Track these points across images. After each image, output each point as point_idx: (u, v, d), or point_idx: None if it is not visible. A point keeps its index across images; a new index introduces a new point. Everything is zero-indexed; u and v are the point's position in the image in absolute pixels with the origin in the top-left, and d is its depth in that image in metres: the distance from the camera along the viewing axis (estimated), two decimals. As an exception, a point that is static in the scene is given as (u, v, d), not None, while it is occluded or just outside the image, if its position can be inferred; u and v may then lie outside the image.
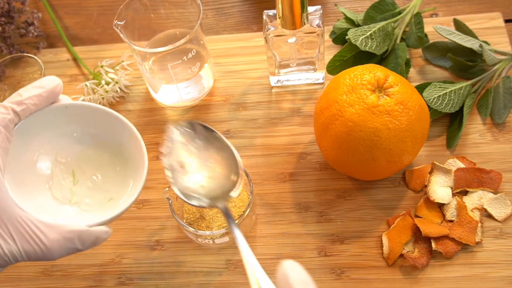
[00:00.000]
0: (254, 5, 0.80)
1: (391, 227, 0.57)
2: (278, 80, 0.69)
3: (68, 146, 0.51)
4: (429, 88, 0.63)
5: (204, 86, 0.69)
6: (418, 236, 0.57)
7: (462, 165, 0.61)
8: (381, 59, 0.68)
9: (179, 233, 0.61)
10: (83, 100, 0.70)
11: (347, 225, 0.59)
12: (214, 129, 0.52)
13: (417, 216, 0.59)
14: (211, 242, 0.57)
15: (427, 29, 0.70)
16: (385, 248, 0.57)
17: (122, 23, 0.62)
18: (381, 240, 0.57)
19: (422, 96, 0.59)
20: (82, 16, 0.82)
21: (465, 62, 0.65)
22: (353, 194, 0.61)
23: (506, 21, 0.71)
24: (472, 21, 0.71)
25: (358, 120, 0.53)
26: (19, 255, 0.42)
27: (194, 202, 0.49)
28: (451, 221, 0.58)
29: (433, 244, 0.56)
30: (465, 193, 0.60)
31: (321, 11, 0.62)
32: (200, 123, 0.52)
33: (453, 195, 0.59)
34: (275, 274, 0.40)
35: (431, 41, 0.69)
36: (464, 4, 0.76)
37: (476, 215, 0.57)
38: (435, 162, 0.61)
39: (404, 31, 0.70)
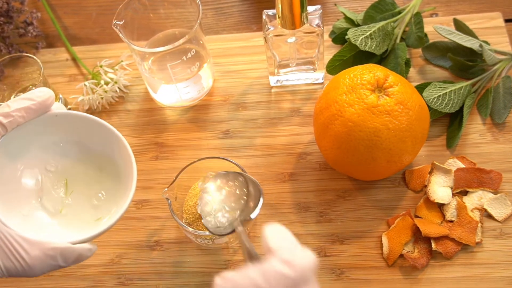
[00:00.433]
0: (253, 4, 0.80)
1: (391, 227, 0.57)
2: (278, 80, 0.69)
3: (57, 156, 0.51)
4: (429, 88, 0.63)
5: (203, 86, 0.69)
6: (418, 236, 0.57)
7: (462, 165, 0.61)
8: (381, 59, 0.68)
9: (178, 234, 0.61)
10: (82, 100, 0.69)
11: (347, 225, 0.59)
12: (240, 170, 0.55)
13: (417, 216, 0.59)
14: (210, 242, 0.56)
15: (427, 29, 0.69)
16: (385, 249, 0.56)
17: (121, 23, 0.62)
18: (381, 240, 0.57)
19: (422, 96, 0.59)
20: (81, 16, 0.82)
21: (465, 62, 0.65)
22: (353, 194, 0.61)
23: (506, 20, 0.71)
24: (472, 21, 0.71)
25: (358, 120, 0.53)
26: (0, 272, 0.41)
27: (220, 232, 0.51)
28: (451, 221, 0.57)
29: (433, 245, 0.56)
30: (465, 193, 0.59)
31: (321, 11, 0.62)
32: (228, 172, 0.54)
33: (453, 195, 0.59)
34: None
35: (431, 41, 0.69)
36: (464, 4, 0.76)
37: (476, 215, 0.57)
38: (435, 162, 0.61)
39: (404, 31, 0.69)
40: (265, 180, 0.63)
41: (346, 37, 0.65)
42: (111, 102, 0.71)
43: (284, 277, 0.36)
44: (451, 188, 0.59)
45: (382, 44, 0.66)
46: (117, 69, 0.72)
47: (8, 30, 0.76)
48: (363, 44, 0.64)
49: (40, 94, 0.46)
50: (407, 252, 0.56)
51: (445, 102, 0.62)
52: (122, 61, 0.72)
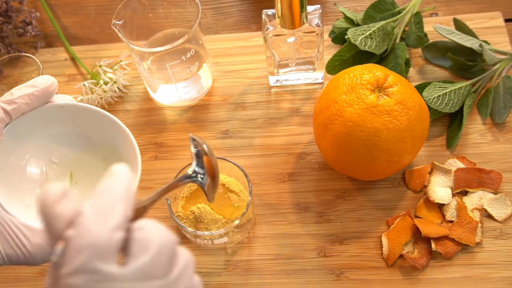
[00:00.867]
0: (253, 4, 0.80)
1: (390, 228, 0.57)
2: (277, 80, 0.69)
3: (62, 147, 0.51)
4: (429, 88, 0.63)
5: (202, 86, 0.69)
6: (418, 237, 0.57)
7: (462, 165, 0.60)
8: (381, 59, 0.68)
9: (177, 234, 0.61)
10: (81, 100, 0.69)
11: (346, 226, 0.59)
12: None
13: (416, 217, 0.59)
14: (209, 242, 0.56)
15: (427, 28, 0.69)
16: (385, 249, 0.56)
17: (120, 22, 0.61)
18: (381, 241, 0.57)
19: (422, 96, 0.59)
20: (80, 16, 0.82)
21: (465, 61, 0.65)
22: (353, 194, 0.61)
23: (506, 20, 0.71)
24: (472, 20, 0.70)
25: (358, 120, 0.53)
26: (1, 259, 0.41)
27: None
28: (451, 221, 0.57)
29: (433, 245, 0.55)
30: (465, 193, 0.59)
31: (321, 11, 0.62)
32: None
33: (453, 195, 0.59)
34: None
35: (431, 41, 0.69)
36: (464, 4, 0.76)
37: (476, 216, 0.57)
38: (435, 162, 0.60)
39: (404, 31, 0.69)
40: (264, 180, 0.63)
41: (346, 37, 0.65)
42: (110, 102, 0.71)
43: None
44: (451, 188, 0.59)
45: (382, 44, 0.65)
46: (116, 69, 0.71)
47: (7, 30, 0.76)
48: (363, 44, 0.64)
49: (42, 81, 0.46)
50: (407, 252, 0.56)
51: (445, 102, 0.62)
52: (121, 61, 0.72)
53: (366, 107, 0.53)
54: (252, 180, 0.62)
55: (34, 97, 0.46)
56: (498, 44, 0.68)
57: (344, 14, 0.72)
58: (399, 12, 0.69)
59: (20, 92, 0.45)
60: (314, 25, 0.61)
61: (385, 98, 0.54)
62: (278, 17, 0.60)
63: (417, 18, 0.68)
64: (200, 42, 0.66)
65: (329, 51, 0.71)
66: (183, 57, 0.63)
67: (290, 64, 0.67)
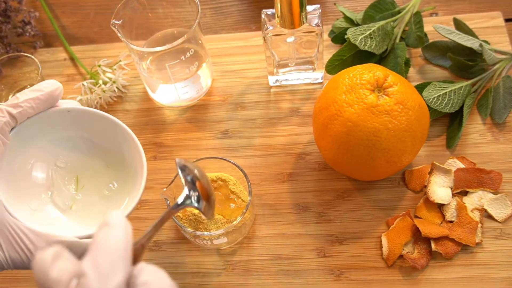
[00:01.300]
0: (252, 4, 0.80)
1: (390, 228, 0.57)
2: (277, 80, 0.69)
3: (67, 151, 0.51)
4: (428, 87, 0.62)
5: (202, 85, 0.69)
6: (418, 237, 0.57)
7: (462, 165, 0.60)
8: (381, 59, 0.68)
9: (177, 234, 0.61)
10: (80, 100, 0.69)
11: (346, 226, 0.59)
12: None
13: (416, 217, 0.58)
14: (209, 243, 0.56)
15: (427, 28, 0.69)
16: (385, 249, 0.56)
17: (119, 22, 0.61)
18: (381, 241, 0.57)
19: (421, 95, 0.59)
20: (79, 15, 0.81)
21: (465, 61, 0.65)
22: (352, 194, 0.61)
23: (506, 20, 0.71)
24: (472, 20, 0.70)
25: (357, 120, 0.53)
26: (5, 263, 0.41)
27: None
28: (451, 221, 0.57)
29: (432, 245, 0.55)
30: (465, 193, 0.59)
31: (320, 10, 0.62)
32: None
33: (453, 195, 0.59)
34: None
35: (430, 41, 0.69)
36: (464, 3, 0.76)
37: (476, 216, 0.57)
38: (434, 162, 0.60)
39: (404, 31, 0.69)
40: (264, 181, 0.63)
41: (346, 36, 0.65)
42: (109, 102, 0.71)
43: None
44: (451, 189, 0.59)
45: (382, 44, 0.65)
46: (115, 69, 0.71)
47: (6, 30, 0.76)
48: (363, 43, 0.63)
49: (47, 85, 0.46)
50: (407, 252, 0.56)
51: (445, 102, 0.62)
52: (120, 60, 0.72)
53: (366, 107, 0.53)
54: (251, 180, 0.62)
55: (39, 101, 0.46)
56: (498, 44, 0.68)
57: (343, 13, 0.72)
58: (399, 12, 0.69)
59: (26, 96, 0.45)
60: (313, 25, 0.61)
61: (385, 98, 0.53)
62: (278, 17, 0.60)
63: (417, 18, 0.68)
64: (200, 42, 0.65)
65: (329, 51, 0.71)
66: (183, 57, 0.63)
67: (289, 64, 0.67)
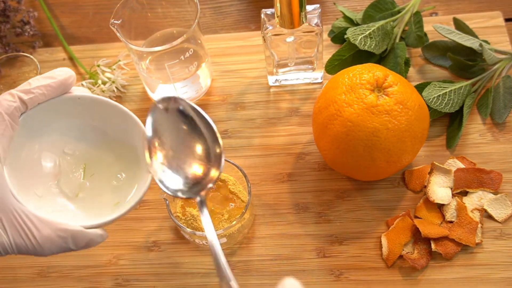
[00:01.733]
0: (252, 4, 0.80)
1: (390, 228, 0.57)
2: (276, 80, 0.69)
3: (76, 139, 0.50)
4: (428, 87, 0.62)
5: (201, 85, 0.68)
6: (418, 237, 0.56)
7: (462, 166, 0.60)
8: (380, 59, 0.67)
9: (176, 234, 0.60)
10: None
11: (346, 226, 0.59)
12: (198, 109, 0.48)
13: (416, 217, 0.58)
14: (208, 243, 0.56)
15: (427, 28, 0.69)
16: (384, 249, 0.56)
17: (118, 22, 0.61)
18: (380, 241, 0.57)
19: (421, 95, 0.58)
20: (78, 15, 0.81)
21: (465, 61, 0.65)
22: (352, 194, 0.61)
23: (506, 20, 0.71)
24: (472, 20, 0.70)
25: (357, 120, 0.53)
26: (10, 248, 0.41)
27: (178, 194, 0.46)
28: (451, 222, 0.57)
29: (432, 245, 0.55)
30: (465, 193, 0.59)
31: (320, 10, 0.62)
32: (185, 101, 0.48)
33: (453, 195, 0.59)
34: None
35: (430, 40, 0.69)
36: (464, 3, 0.75)
37: (476, 216, 0.57)
38: (434, 162, 0.60)
39: (404, 30, 0.69)
40: (263, 181, 0.63)
41: (345, 36, 0.65)
42: (108, 101, 0.71)
43: None
44: (451, 189, 0.59)
45: (382, 44, 0.65)
46: (114, 69, 0.71)
47: (5, 30, 0.75)
48: (362, 43, 0.63)
49: (60, 72, 0.46)
50: (407, 253, 0.56)
51: (444, 102, 0.62)
52: (119, 60, 0.72)
53: (366, 107, 0.53)
54: (251, 180, 0.62)
55: (51, 88, 0.45)
56: (498, 44, 0.68)
57: (343, 13, 0.72)
58: (399, 12, 0.69)
59: (38, 82, 0.45)
60: (313, 25, 0.61)
61: (384, 98, 0.53)
62: (277, 17, 0.60)
63: (417, 18, 0.68)
64: (199, 41, 0.65)
65: (329, 50, 0.71)
66: (182, 57, 0.63)
67: (289, 64, 0.67)
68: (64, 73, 0.46)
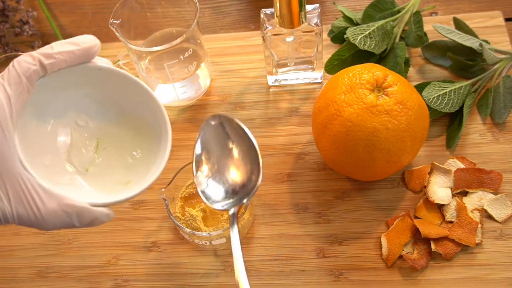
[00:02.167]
0: (251, 3, 0.80)
1: (390, 228, 0.57)
2: (276, 80, 0.69)
3: (92, 111, 0.48)
4: (428, 87, 0.62)
5: (201, 85, 0.68)
6: (418, 237, 0.56)
7: (462, 166, 0.60)
8: (380, 58, 0.67)
9: (175, 234, 0.60)
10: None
11: (345, 226, 0.59)
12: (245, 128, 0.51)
13: (416, 217, 0.58)
14: (208, 243, 0.56)
15: (427, 28, 0.69)
16: (384, 250, 0.56)
17: (118, 21, 0.61)
18: (380, 241, 0.57)
19: (421, 95, 0.58)
20: (77, 15, 0.81)
21: (465, 61, 0.65)
22: (352, 194, 0.61)
23: (506, 19, 0.71)
24: (472, 19, 0.70)
25: (357, 120, 0.53)
26: (11, 217, 0.40)
27: (215, 206, 0.51)
28: (451, 222, 0.57)
29: (432, 245, 0.55)
30: (465, 193, 0.59)
31: (319, 10, 0.62)
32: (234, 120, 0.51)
33: (453, 195, 0.58)
34: None
35: (430, 40, 0.69)
36: (464, 3, 0.75)
37: (476, 216, 0.57)
38: (434, 162, 0.60)
39: (403, 30, 0.69)
40: (263, 181, 0.62)
41: (345, 36, 0.65)
42: (107, 101, 0.70)
43: None
44: (451, 189, 0.59)
45: (381, 43, 0.65)
46: (114, 69, 0.71)
47: (4, 29, 0.75)
48: (362, 43, 0.63)
49: (85, 40, 0.44)
50: (407, 253, 0.56)
51: (444, 102, 0.62)
52: (119, 60, 0.72)
53: (366, 107, 0.53)
54: (250, 180, 0.62)
55: (74, 56, 0.43)
56: (498, 44, 0.68)
57: (343, 13, 0.71)
58: (399, 11, 0.69)
59: (61, 47, 0.43)
60: (313, 24, 0.61)
61: (384, 98, 0.53)
62: (277, 16, 0.60)
63: (417, 17, 0.68)
64: (198, 41, 0.65)
65: (328, 50, 0.71)
66: (181, 57, 0.63)
67: (288, 64, 0.67)
68: (89, 41, 0.44)
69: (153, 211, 0.62)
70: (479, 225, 0.56)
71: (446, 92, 0.62)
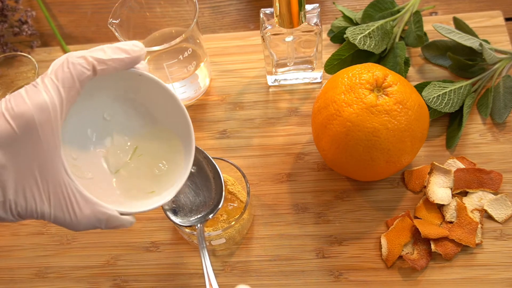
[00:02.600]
0: (251, 3, 0.80)
1: (390, 228, 0.57)
2: (276, 80, 0.69)
3: (129, 116, 0.49)
4: (428, 87, 0.62)
5: (200, 85, 0.68)
6: (417, 238, 0.56)
7: (462, 166, 0.60)
8: (380, 58, 0.67)
9: (175, 235, 0.60)
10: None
11: (345, 227, 0.59)
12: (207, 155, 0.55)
13: (416, 217, 0.58)
14: (207, 243, 0.56)
15: (427, 27, 0.69)
16: (384, 250, 0.56)
17: (117, 21, 0.61)
18: (380, 242, 0.57)
19: (421, 95, 0.58)
20: (76, 15, 0.81)
21: (465, 61, 0.65)
22: (352, 195, 0.60)
23: (506, 19, 0.71)
24: (472, 19, 0.70)
25: (357, 120, 0.52)
26: (48, 217, 0.41)
27: (177, 220, 0.53)
28: (451, 222, 0.57)
29: (432, 246, 0.55)
30: (465, 194, 0.59)
31: (319, 9, 0.61)
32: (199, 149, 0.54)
33: (453, 196, 0.58)
34: None
35: (430, 40, 0.69)
36: (464, 2, 0.75)
37: (476, 216, 0.57)
38: (434, 162, 0.60)
39: (403, 30, 0.69)
40: (262, 181, 0.62)
41: (345, 36, 0.64)
42: (107, 101, 0.70)
43: None
44: (451, 189, 0.59)
45: (381, 43, 0.65)
46: (113, 68, 0.71)
47: (3, 29, 0.75)
48: (362, 43, 0.63)
49: (136, 49, 0.44)
50: (406, 253, 0.56)
51: (444, 102, 0.61)
52: (118, 60, 0.72)
53: (365, 107, 0.53)
54: (250, 180, 0.62)
55: (123, 63, 0.44)
56: (498, 43, 0.68)
57: (343, 13, 0.71)
58: (398, 11, 0.69)
59: (113, 53, 0.43)
60: (312, 24, 0.61)
61: (384, 97, 0.53)
62: (276, 16, 0.59)
63: (417, 17, 0.67)
64: (198, 41, 0.65)
65: (328, 50, 0.70)
66: (180, 57, 0.63)
67: (288, 64, 0.66)
68: (139, 50, 0.44)
69: (152, 211, 0.62)
70: (479, 226, 0.56)
71: (446, 92, 0.62)
